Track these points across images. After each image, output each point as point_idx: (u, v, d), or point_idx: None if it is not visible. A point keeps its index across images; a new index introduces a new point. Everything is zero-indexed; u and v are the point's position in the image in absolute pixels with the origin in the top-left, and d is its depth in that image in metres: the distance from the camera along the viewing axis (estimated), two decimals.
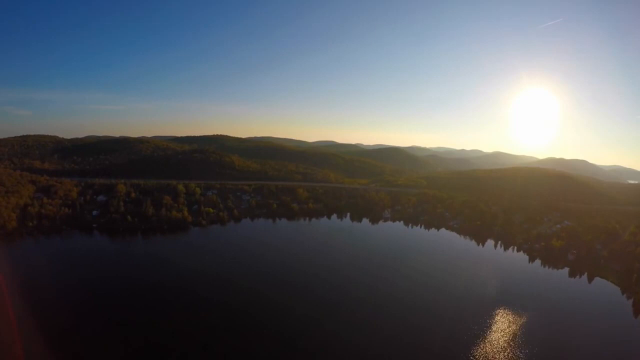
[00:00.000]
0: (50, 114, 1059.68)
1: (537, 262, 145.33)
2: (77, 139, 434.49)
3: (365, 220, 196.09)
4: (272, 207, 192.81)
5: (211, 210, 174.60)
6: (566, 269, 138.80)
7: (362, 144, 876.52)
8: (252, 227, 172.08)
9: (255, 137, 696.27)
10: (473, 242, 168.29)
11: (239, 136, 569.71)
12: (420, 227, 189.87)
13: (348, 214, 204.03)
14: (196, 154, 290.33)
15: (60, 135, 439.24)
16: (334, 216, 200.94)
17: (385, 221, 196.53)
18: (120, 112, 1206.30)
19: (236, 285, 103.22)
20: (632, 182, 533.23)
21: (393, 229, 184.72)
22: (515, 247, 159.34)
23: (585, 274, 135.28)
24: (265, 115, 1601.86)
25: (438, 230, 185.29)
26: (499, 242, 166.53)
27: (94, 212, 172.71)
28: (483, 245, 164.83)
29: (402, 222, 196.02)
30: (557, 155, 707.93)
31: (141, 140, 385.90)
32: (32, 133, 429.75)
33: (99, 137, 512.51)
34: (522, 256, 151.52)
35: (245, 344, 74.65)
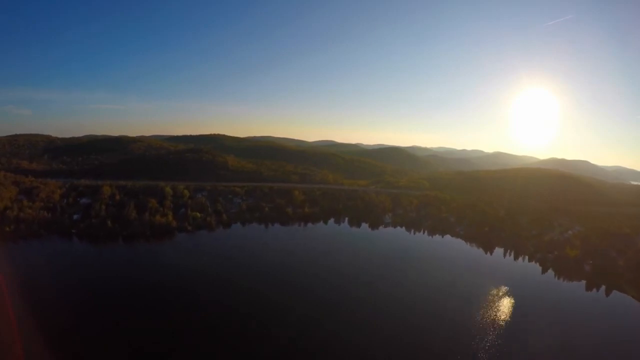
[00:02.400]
0: (50, 113, 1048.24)
1: (549, 273, 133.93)
2: (68, 138, 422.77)
3: (364, 226, 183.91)
4: (264, 210, 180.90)
5: (198, 214, 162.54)
6: (580, 281, 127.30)
7: (362, 144, 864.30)
8: (238, 234, 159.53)
9: (254, 137, 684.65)
10: (480, 250, 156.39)
11: (239, 136, 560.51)
12: (424, 233, 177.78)
13: (346, 219, 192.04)
14: (188, 153, 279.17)
15: (60, 135, 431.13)
16: (332, 220, 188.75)
17: (385, 226, 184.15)
18: (120, 112, 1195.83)
19: (236, 286, 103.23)
20: (634, 183, 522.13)
21: (394, 235, 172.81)
22: (527, 257, 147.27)
23: (603, 287, 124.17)
24: (265, 115, 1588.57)
25: (443, 237, 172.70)
26: (509, 250, 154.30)
27: (75, 216, 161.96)
28: (491, 254, 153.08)
29: (403, 227, 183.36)
30: (559, 156, 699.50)
31: (134, 140, 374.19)
32: (32, 132, 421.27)
33: (96, 136, 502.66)
34: (534, 266, 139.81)
35: (245, 344, 75.04)
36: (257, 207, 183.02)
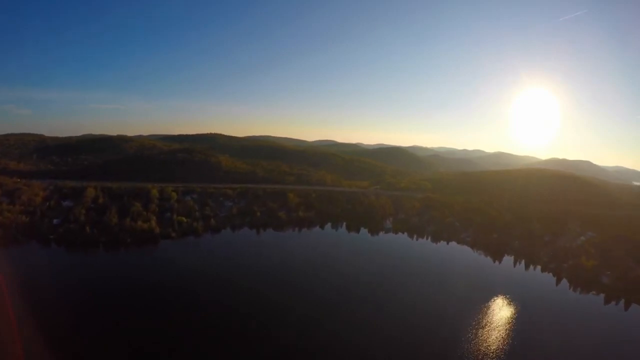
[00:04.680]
0: (50, 112, 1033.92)
1: (563, 284, 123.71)
2: (59, 138, 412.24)
3: (364, 231, 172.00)
4: (256, 215, 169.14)
5: (184, 219, 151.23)
6: (598, 294, 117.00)
7: (362, 144, 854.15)
8: (224, 241, 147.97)
9: (254, 137, 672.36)
10: (489, 259, 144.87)
11: (238, 136, 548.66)
12: (427, 239, 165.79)
13: (344, 224, 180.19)
14: (180, 153, 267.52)
15: (60, 135, 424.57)
16: (328, 225, 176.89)
17: (386, 232, 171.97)
18: (120, 111, 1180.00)
19: (236, 286, 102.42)
20: (636, 183, 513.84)
21: (396, 242, 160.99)
22: (540, 266, 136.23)
23: (623, 300, 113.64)
24: (265, 115, 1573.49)
25: (448, 243, 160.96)
26: (520, 258, 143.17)
27: (55, 220, 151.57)
28: (500, 262, 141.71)
29: (405, 233, 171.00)
30: (560, 156, 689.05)
31: (126, 139, 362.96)
32: (30, 132, 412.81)
33: (93, 135, 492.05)
34: (546, 276, 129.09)
35: (246, 343, 74.91)
36: (248, 211, 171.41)
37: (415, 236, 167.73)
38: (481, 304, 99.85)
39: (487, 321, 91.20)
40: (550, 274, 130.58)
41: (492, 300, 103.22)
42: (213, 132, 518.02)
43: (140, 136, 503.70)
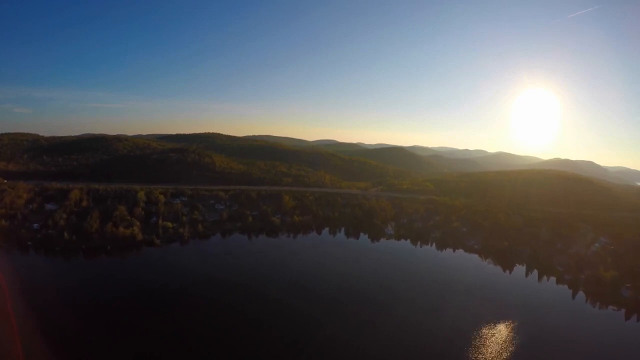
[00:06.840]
0: (50, 112, 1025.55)
1: (579, 297, 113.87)
2: (52, 138, 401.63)
3: (363, 237, 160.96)
4: (247, 219, 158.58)
5: (170, 224, 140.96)
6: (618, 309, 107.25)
7: (363, 143, 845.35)
8: (208, 250, 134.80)
9: (254, 136, 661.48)
10: (499, 268, 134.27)
11: (238, 135, 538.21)
12: (431, 245, 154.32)
13: (343, 229, 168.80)
14: (172, 153, 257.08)
15: (59, 134, 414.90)
16: (326, 231, 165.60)
17: (388, 238, 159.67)
18: (120, 110, 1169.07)
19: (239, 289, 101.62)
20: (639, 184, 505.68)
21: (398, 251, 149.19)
22: (554, 277, 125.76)
23: None
24: (265, 114, 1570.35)
25: (454, 251, 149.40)
26: (532, 269, 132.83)
27: (35, 225, 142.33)
28: (511, 272, 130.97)
29: (408, 240, 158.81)
30: (562, 156, 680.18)
31: (119, 139, 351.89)
32: (28, 132, 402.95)
33: (92, 134, 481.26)
34: (562, 289, 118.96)
35: (249, 343, 75.19)
36: (240, 215, 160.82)
37: (419, 243, 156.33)
38: (494, 323, 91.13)
39: (501, 340, 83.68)
40: (566, 285, 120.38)
41: (506, 318, 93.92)
42: (213, 131, 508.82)
43: (139, 136, 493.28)
